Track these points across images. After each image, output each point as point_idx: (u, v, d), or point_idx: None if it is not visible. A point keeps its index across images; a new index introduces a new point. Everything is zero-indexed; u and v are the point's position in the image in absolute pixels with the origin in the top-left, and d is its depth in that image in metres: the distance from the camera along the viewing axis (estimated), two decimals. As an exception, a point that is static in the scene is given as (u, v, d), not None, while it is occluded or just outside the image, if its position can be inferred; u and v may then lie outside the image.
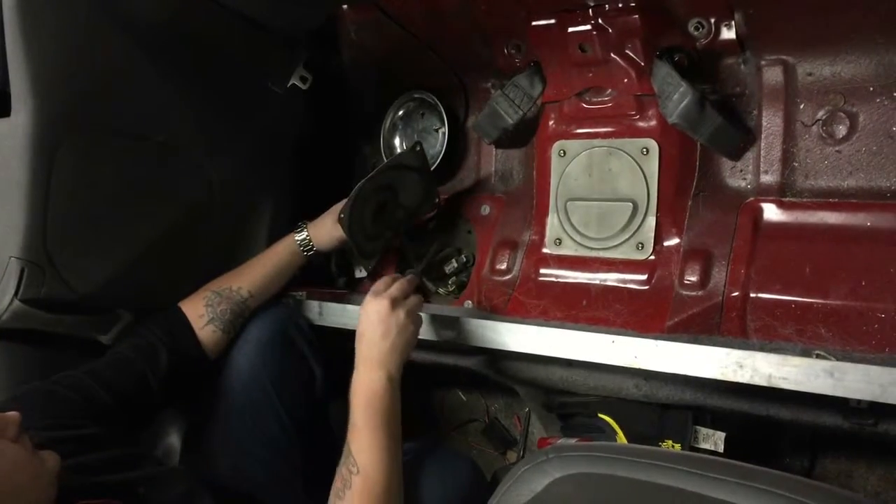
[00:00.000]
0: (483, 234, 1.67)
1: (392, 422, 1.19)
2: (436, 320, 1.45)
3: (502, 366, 1.57)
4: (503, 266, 1.59)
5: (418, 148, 1.57)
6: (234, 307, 1.44)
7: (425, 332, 1.34)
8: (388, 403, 1.20)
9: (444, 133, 1.75)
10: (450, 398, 2.25)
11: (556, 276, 1.53)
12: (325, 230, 1.55)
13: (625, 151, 1.45)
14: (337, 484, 1.14)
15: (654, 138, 1.42)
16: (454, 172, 1.81)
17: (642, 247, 1.44)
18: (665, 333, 1.32)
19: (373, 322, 1.25)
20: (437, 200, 1.68)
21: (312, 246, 1.55)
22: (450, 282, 1.72)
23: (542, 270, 1.54)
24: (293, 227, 1.58)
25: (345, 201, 1.49)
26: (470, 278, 1.66)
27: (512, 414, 2.14)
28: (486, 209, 1.70)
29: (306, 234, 1.55)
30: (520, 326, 1.39)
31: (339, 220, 1.47)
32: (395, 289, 1.30)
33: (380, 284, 1.31)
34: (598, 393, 1.48)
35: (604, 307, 1.43)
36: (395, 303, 1.26)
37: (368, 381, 1.20)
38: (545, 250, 1.55)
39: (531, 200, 1.60)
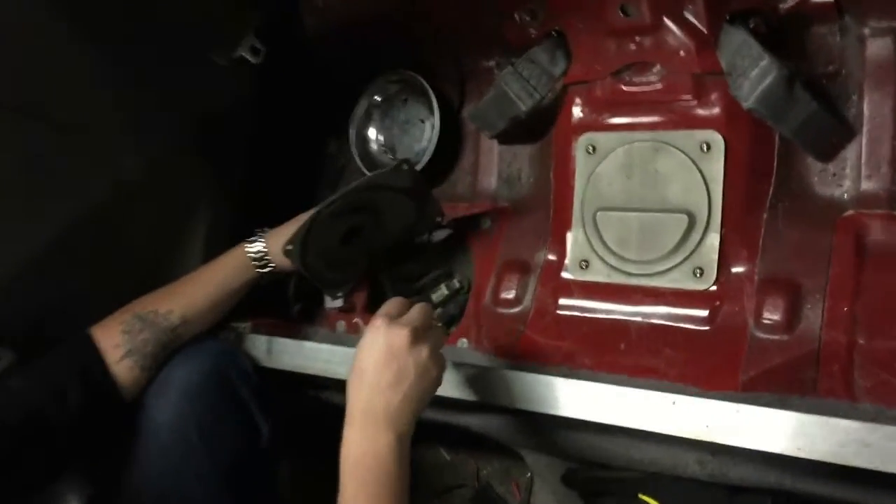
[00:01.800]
0: (483, 254, 1.42)
1: (401, 500, 0.94)
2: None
3: (509, 427, 1.29)
4: (510, 295, 1.33)
5: (405, 167, 1.31)
6: (160, 336, 1.21)
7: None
8: (398, 476, 0.93)
9: (433, 125, 1.49)
10: (430, 457, 1.98)
11: (583, 310, 1.25)
12: None
13: (677, 147, 1.20)
14: None
15: (717, 130, 1.17)
16: (445, 175, 1.57)
17: (701, 273, 1.17)
18: (739, 392, 1.03)
19: (382, 358, 0.95)
20: (440, 220, 1.43)
21: (268, 261, 1.30)
22: (436, 313, 1.44)
23: (563, 301, 1.27)
24: (240, 237, 1.34)
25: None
26: (465, 310, 1.40)
27: (509, 480, 1.86)
28: (486, 222, 1.46)
29: (262, 245, 1.30)
30: (537, 377, 1.11)
31: (286, 252, 1.24)
32: (417, 315, 1.00)
33: (391, 307, 1.02)
34: (643, 468, 1.19)
35: (650, 353, 1.16)
36: (416, 335, 0.96)
37: (371, 447, 0.93)
38: (566, 275, 1.29)
39: (547, 210, 1.35)
